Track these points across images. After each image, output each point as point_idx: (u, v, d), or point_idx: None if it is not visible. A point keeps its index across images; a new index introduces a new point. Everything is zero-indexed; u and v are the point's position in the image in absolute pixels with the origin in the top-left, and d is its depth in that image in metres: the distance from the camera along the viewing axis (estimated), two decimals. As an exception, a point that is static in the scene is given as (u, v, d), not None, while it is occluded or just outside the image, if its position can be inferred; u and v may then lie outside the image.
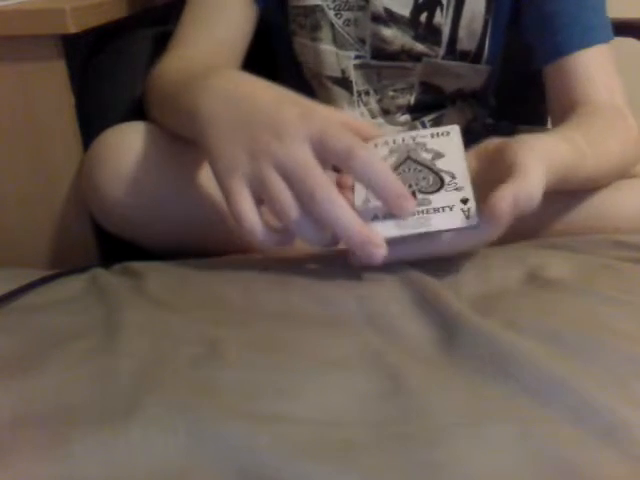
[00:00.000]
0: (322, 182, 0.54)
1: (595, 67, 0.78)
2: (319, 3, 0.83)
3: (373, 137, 0.64)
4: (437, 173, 0.60)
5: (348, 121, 0.61)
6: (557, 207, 0.75)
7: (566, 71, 0.78)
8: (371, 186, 0.56)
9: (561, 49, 0.78)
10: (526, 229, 0.75)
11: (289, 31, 0.87)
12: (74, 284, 0.65)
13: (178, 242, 0.73)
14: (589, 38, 0.78)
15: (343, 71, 0.86)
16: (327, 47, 0.84)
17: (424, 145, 0.62)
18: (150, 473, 0.39)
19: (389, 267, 0.63)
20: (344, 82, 0.86)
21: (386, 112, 0.88)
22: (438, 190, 0.59)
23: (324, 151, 0.55)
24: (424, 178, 0.60)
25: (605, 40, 0.78)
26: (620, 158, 0.73)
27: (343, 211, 0.54)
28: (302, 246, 0.75)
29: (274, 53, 0.95)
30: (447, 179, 0.59)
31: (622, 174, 0.75)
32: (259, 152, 0.56)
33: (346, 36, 0.84)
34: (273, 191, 0.55)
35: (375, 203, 0.58)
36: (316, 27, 0.84)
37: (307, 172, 0.55)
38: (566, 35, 0.78)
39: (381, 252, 0.55)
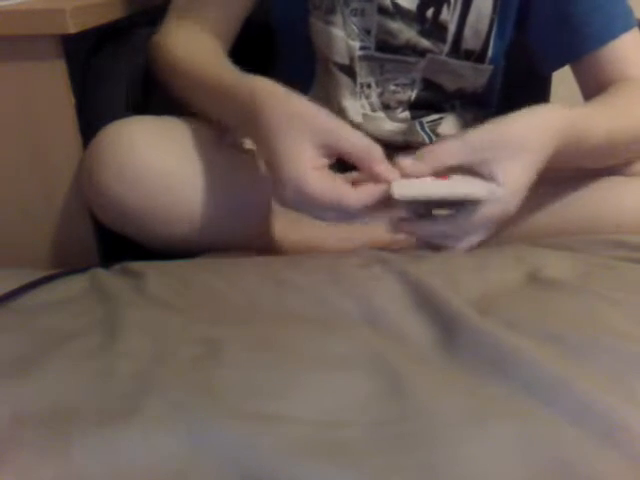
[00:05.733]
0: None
1: (628, 52, 0.79)
2: None
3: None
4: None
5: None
6: (558, 205, 0.75)
7: (595, 62, 0.79)
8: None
9: (585, 46, 0.79)
10: (527, 228, 0.75)
11: (306, 9, 0.86)
12: (74, 284, 0.65)
13: (178, 239, 0.73)
14: (612, 30, 0.78)
15: (351, 59, 0.86)
16: (339, 32, 0.84)
17: None
18: (150, 473, 0.39)
19: (389, 267, 0.63)
20: (350, 70, 0.86)
21: (386, 107, 0.88)
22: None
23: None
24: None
25: (629, 26, 0.79)
26: None
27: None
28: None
29: (273, 35, 0.94)
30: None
31: None
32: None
33: (352, 26, 0.83)
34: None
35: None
36: (331, 10, 0.84)
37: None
38: (590, 31, 0.79)
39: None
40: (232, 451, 0.40)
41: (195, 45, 0.79)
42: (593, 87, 0.79)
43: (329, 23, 0.84)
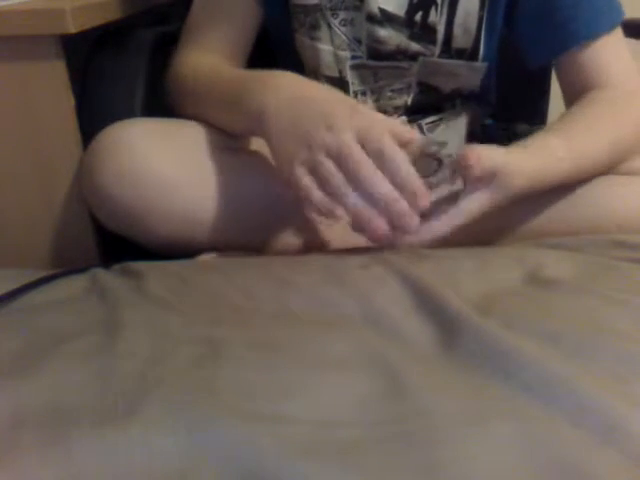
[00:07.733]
0: (363, 160, 0.63)
1: (607, 53, 0.79)
2: (318, 2, 0.83)
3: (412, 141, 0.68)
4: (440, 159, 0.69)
5: (392, 126, 0.67)
6: (559, 205, 0.75)
7: (578, 61, 0.79)
8: (394, 180, 0.63)
9: (571, 40, 0.79)
10: (528, 228, 0.75)
11: (291, 28, 0.87)
12: (74, 284, 0.65)
13: (178, 239, 0.74)
14: (598, 25, 0.78)
15: (340, 71, 0.86)
16: (325, 47, 0.85)
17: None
18: (150, 473, 0.39)
19: (390, 267, 0.63)
20: (341, 82, 0.86)
21: (383, 113, 0.88)
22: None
23: (364, 144, 0.64)
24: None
25: (615, 22, 0.79)
26: (615, 141, 0.75)
27: (383, 183, 0.63)
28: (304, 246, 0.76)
29: (271, 52, 0.95)
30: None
31: (624, 153, 0.76)
32: (314, 143, 0.64)
33: (342, 36, 0.84)
34: (325, 173, 0.64)
35: None
36: (315, 26, 0.84)
37: (351, 153, 0.62)
38: (575, 25, 0.78)
39: (415, 221, 0.63)
40: (232, 451, 0.40)
41: (206, 66, 0.81)
42: (575, 88, 0.80)
43: (314, 39, 0.85)
